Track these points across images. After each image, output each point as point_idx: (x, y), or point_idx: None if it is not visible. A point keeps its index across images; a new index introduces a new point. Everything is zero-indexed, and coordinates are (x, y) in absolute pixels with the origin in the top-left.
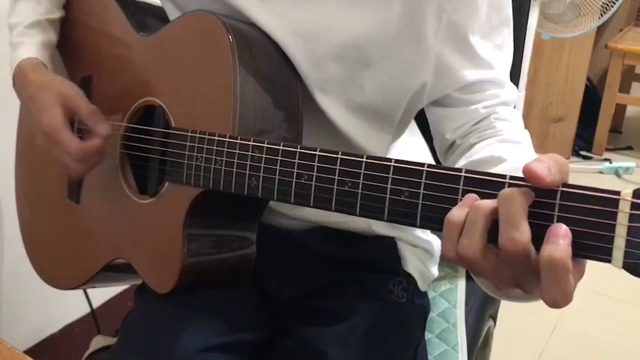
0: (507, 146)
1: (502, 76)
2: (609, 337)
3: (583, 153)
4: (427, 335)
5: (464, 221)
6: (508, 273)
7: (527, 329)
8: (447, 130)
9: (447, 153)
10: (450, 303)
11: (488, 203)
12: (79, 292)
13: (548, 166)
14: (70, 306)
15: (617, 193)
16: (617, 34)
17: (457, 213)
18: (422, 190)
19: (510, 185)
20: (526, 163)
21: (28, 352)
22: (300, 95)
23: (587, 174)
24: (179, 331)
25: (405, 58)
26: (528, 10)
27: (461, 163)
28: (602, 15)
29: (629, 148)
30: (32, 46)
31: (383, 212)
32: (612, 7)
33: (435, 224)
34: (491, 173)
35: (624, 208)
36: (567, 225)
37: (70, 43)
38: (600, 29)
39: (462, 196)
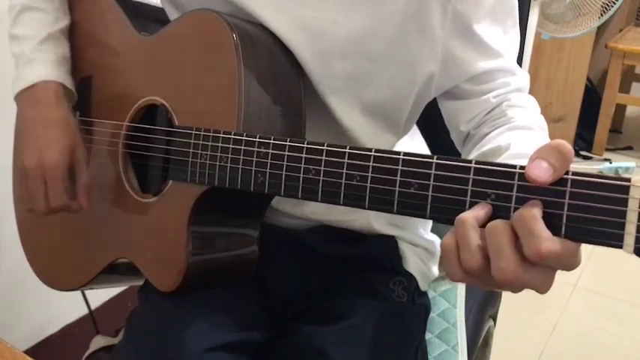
0: (516, 133)
1: (512, 64)
2: (609, 337)
3: (583, 153)
4: (427, 335)
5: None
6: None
7: (527, 329)
8: (461, 123)
9: (464, 144)
10: (450, 303)
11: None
12: (79, 292)
13: (551, 163)
14: (70, 306)
15: (628, 180)
16: (617, 34)
17: (449, 237)
18: (431, 182)
19: (520, 175)
20: (526, 166)
21: (28, 352)
22: (305, 93)
23: None
24: (185, 330)
25: (411, 50)
26: (528, 10)
27: (473, 154)
28: (602, 15)
29: (629, 148)
30: (47, 66)
31: (392, 204)
32: (612, 7)
33: (445, 215)
34: (500, 163)
35: (635, 194)
36: (578, 212)
37: (70, 44)
38: (600, 29)
39: (472, 186)
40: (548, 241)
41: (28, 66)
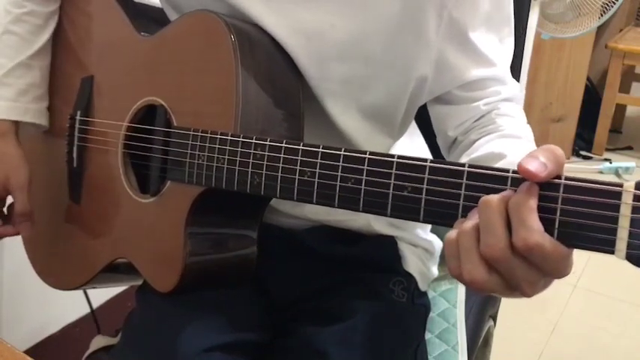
0: (507, 141)
1: (504, 73)
2: (609, 337)
3: (583, 153)
4: (427, 335)
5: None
6: (501, 281)
7: (527, 329)
8: (449, 128)
9: (450, 150)
10: (450, 303)
11: (472, 223)
12: (79, 292)
13: (543, 161)
14: (70, 306)
15: (620, 185)
16: (617, 34)
17: (453, 233)
18: (425, 185)
19: (513, 179)
20: (520, 160)
21: (28, 352)
22: (303, 96)
23: (587, 174)
24: (182, 331)
25: (407, 53)
26: (528, 10)
27: (462, 161)
28: (602, 15)
29: (629, 148)
30: (5, 103)
31: (386, 208)
32: (612, 7)
33: (438, 219)
34: (493, 167)
35: (627, 199)
36: (570, 217)
37: (71, 43)
38: (600, 29)
39: (465, 190)
40: (538, 234)
41: None
